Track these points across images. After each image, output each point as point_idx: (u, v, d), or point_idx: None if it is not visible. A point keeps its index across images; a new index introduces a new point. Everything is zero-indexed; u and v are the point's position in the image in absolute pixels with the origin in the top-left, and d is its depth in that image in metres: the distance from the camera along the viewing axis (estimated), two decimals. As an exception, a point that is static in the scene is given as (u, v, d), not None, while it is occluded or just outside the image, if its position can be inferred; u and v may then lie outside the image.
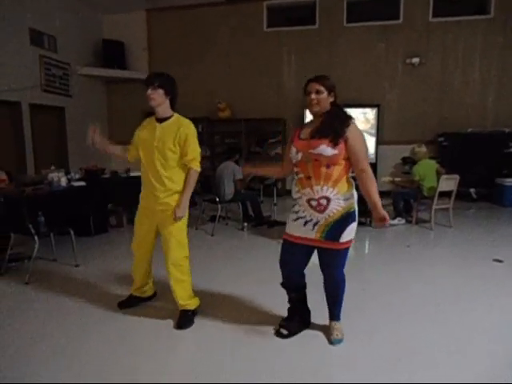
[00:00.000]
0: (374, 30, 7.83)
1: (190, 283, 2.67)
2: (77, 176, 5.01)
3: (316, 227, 2.16)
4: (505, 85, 7.49)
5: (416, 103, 7.81)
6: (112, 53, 8.40)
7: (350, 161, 2.14)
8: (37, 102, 6.84)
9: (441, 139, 7.41)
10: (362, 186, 2.15)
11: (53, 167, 5.02)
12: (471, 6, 7.57)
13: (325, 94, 2.14)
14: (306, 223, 2.19)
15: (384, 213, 2.06)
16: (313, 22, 8.07)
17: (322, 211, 2.12)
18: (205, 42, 8.49)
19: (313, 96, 2.14)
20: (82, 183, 4.72)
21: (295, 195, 2.25)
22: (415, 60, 7.66)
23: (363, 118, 7.81)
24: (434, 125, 7.68)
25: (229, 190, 5.18)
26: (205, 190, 5.49)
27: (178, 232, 2.55)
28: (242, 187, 5.31)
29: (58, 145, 7.57)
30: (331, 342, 2.34)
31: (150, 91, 2.42)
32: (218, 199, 5.10)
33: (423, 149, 5.42)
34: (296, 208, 2.25)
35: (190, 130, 2.50)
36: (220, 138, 8.63)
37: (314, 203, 2.13)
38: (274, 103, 8.21)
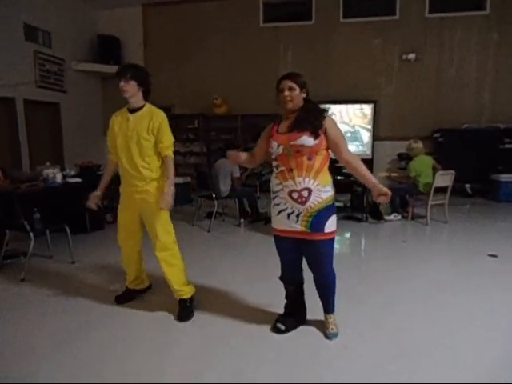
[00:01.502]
0: (371, 25, 7.82)
1: (182, 269, 2.68)
2: (72, 172, 4.99)
3: (299, 218, 2.19)
4: (500, 81, 7.51)
5: (412, 99, 7.82)
6: (107, 48, 8.34)
7: (333, 151, 2.21)
8: (31, 98, 6.78)
9: (436, 135, 7.43)
10: (355, 172, 2.22)
11: (48, 163, 4.99)
12: (467, 2, 7.57)
13: (297, 90, 2.19)
14: (289, 215, 2.21)
15: (385, 188, 2.11)
16: (309, 17, 8.05)
17: (303, 203, 2.15)
18: (201, 37, 8.45)
19: (286, 93, 2.18)
20: (78, 179, 4.70)
21: (275, 188, 2.27)
22: (411, 56, 7.67)
23: (360, 114, 7.81)
24: (430, 121, 7.70)
25: (225, 187, 5.17)
26: (201, 186, 5.48)
27: (161, 219, 2.57)
28: (239, 185, 5.30)
29: (52, 141, 7.53)
30: (327, 337, 2.36)
31: (122, 83, 2.44)
32: (214, 195, 5.10)
33: (419, 145, 5.43)
34: (277, 200, 2.27)
35: (162, 118, 2.53)
36: (216, 134, 8.61)
37: (295, 195, 2.16)
38: (271, 99, 8.06)
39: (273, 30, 8.21)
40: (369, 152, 7.85)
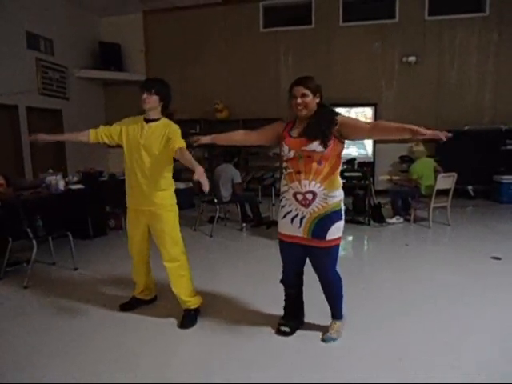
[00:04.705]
0: (370, 29, 7.85)
1: (190, 279, 2.70)
2: (75, 179, 5.01)
3: (303, 223, 2.19)
4: (501, 82, 7.51)
5: (413, 101, 7.82)
6: (109, 55, 8.41)
7: (358, 134, 2.13)
8: (34, 105, 6.84)
9: (438, 137, 7.41)
10: (388, 133, 2.01)
11: (50, 170, 5.02)
12: (466, 4, 7.58)
13: (310, 96, 2.15)
14: (292, 219, 2.22)
15: (416, 128, 1.83)
16: (309, 21, 8.09)
17: (307, 205, 2.16)
18: (201, 43, 8.50)
19: (299, 100, 2.14)
20: (80, 186, 4.72)
21: (282, 188, 2.29)
22: (411, 58, 7.68)
23: (361, 117, 7.82)
24: (431, 123, 7.66)
25: (226, 192, 5.18)
26: (203, 191, 5.48)
27: (170, 229, 2.57)
28: (240, 191, 5.30)
29: (55, 148, 7.56)
30: (323, 340, 2.36)
31: (145, 95, 2.48)
32: (216, 200, 5.11)
33: (421, 147, 5.43)
34: (283, 202, 2.29)
35: (177, 128, 2.55)
36: (218, 139, 8.62)
37: (300, 197, 2.17)
38: (272, 103, 8.21)
39: (273, 35, 8.25)
40: (370, 155, 7.86)
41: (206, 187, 2.23)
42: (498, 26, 7.41)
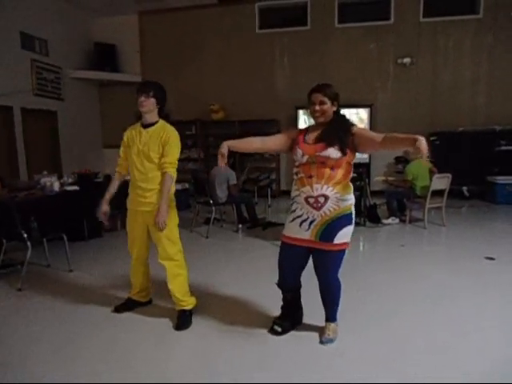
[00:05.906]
0: (366, 30, 7.89)
1: (186, 278, 2.70)
2: (70, 180, 4.99)
3: (312, 226, 2.18)
4: (495, 83, 7.57)
5: (408, 103, 7.87)
6: (104, 55, 8.40)
7: (370, 146, 2.16)
8: (29, 107, 6.81)
9: (433, 138, 7.46)
10: (397, 142, 2.07)
11: (45, 172, 5.00)
12: (461, 7, 7.64)
13: (328, 104, 2.17)
14: (301, 223, 2.21)
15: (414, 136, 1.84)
16: (304, 22, 8.11)
17: (318, 208, 2.14)
18: (197, 44, 8.51)
19: (317, 108, 2.17)
20: (75, 187, 4.70)
21: (293, 193, 2.27)
22: (406, 60, 7.72)
23: (356, 118, 7.84)
24: (426, 124, 7.73)
25: (222, 193, 5.17)
26: (199, 192, 5.48)
27: (168, 231, 2.58)
28: (236, 192, 5.29)
29: (50, 149, 7.54)
30: (321, 342, 2.36)
31: (143, 98, 2.52)
32: (211, 201, 5.10)
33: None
34: (293, 207, 2.27)
35: (173, 134, 2.57)
36: (214, 140, 8.63)
37: (311, 200, 2.15)
38: (268, 104, 8.23)
39: (269, 36, 8.27)
40: (366, 156, 7.87)
41: (160, 228, 2.48)
42: (492, 28, 7.47)
